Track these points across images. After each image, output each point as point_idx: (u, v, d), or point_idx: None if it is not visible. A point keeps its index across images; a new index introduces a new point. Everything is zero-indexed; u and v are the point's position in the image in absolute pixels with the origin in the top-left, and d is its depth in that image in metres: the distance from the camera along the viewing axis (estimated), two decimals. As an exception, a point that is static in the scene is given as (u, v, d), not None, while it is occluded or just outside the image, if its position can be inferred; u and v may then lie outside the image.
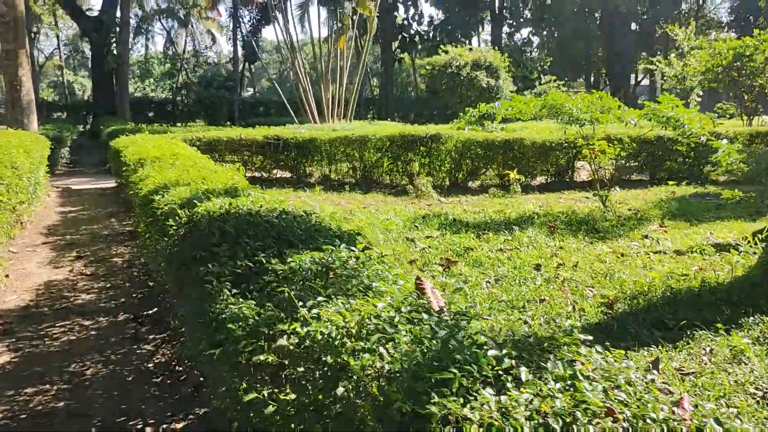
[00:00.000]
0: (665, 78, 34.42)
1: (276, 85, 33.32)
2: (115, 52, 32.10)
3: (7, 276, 7.14)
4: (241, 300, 2.75)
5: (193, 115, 36.88)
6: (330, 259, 3.15)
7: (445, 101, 32.65)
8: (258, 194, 5.34)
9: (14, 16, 15.89)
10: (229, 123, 36.79)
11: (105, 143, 19.12)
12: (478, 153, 14.01)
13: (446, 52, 25.54)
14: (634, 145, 13.20)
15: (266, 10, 36.47)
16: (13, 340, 5.25)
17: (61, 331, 5.47)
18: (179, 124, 36.21)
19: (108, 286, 6.84)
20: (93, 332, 5.44)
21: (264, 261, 3.11)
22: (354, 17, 23.90)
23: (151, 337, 5.29)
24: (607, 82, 47.10)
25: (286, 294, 2.65)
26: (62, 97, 51.83)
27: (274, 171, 16.26)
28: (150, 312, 5.84)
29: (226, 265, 3.12)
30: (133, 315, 5.79)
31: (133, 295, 6.48)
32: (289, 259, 3.11)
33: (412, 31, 41.36)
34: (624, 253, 7.72)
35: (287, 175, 16.32)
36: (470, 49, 25.71)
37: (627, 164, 14.42)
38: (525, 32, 46.97)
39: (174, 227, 4.27)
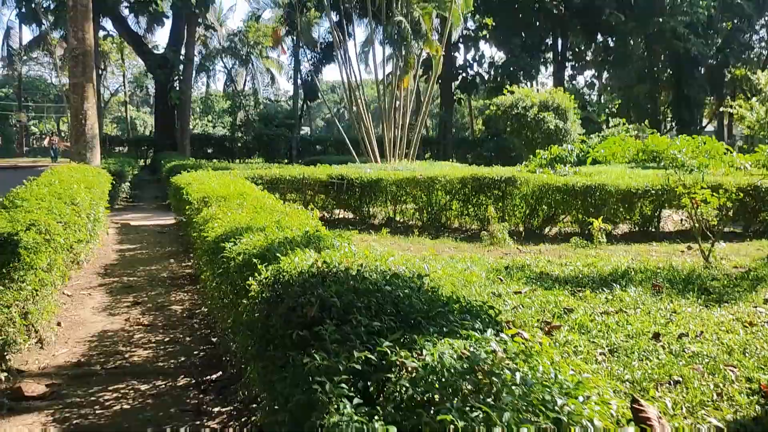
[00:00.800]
0: (740, 123, 32.93)
1: (338, 123, 33.18)
2: (177, 88, 32.43)
3: (59, 324, 6.52)
4: (368, 420, 1.93)
5: (250, 152, 36.95)
6: (475, 350, 2.32)
7: (509, 143, 31.84)
8: (346, 244, 4.59)
9: (83, 50, 15.84)
10: (286, 161, 36.79)
11: (165, 179, 18.88)
12: (556, 198, 13.06)
13: (512, 92, 24.78)
14: (741, 195, 12.04)
15: (329, 49, 36.59)
16: (61, 406, 4.54)
17: (114, 397, 4.74)
18: (237, 161, 36.30)
19: (167, 339, 6.13)
20: (149, 400, 4.69)
21: (389, 352, 2.29)
22: (419, 56, 23.46)
23: (216, 410, 4.50)
24: (673, 126, 45.55)
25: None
26: (124, 132, 53.07)
27: (336, 211, 15.63)
28: (214, 377, 5.07)
29: (338, 355, 2.31)
30: (195, 380, 5.04)
31: (195, 353, 5.75)
32: (424, 351, 2.28)
33: (472, 72, 40.90)
34: (752, 321, 6.64)
35: (350, 215, 15.66)
36: (537, 90, 24.88)
37: (724, 215, 13.22)
38: (587, 74, 46.00)
39: (256, 289, 3.51)
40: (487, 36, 39.95)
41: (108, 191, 13.16)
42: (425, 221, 14.40)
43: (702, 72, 43.66)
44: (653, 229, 13.47)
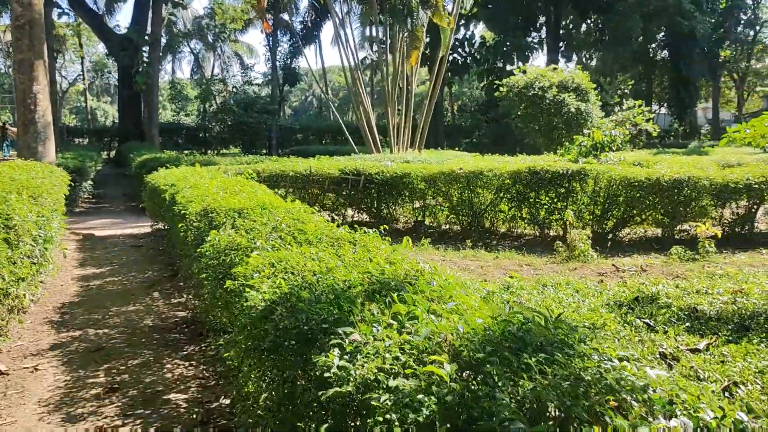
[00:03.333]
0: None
1: (333, 109, 30.03)
2: (143, 72, 29.12)
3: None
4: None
5: (226, 142, 33.71)
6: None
7: (510, 129, 29.30)
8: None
9: (30, 18, 12.72)
10: (265, 151, 33.62)
11: (136, 175, 15.87)
12: (634, 196, 10.46)
13: (524, 71, 22.12)
14: None
15: (309, 30, 33.44)
16: None
17: None
18: (211, 153, 33.09)
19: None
20: None
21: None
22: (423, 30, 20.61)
23: None
24: (670, 108, 43.63)
25: None
26: (84, 123, 49.10)
27: (348, 212, 12.91)
28: None
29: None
30: None
31: None
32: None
33: (464, 53, 38.11)
34: None
35: (364, 217, 12.93)
36: (554, 69, 22.27)
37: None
38: (581, 56, 43.60)
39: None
40: (478, 15, 37.27)
41: (65, 195, 10.19)
42: (464, 226, 11.72)
43: (700, 52, 41.64)
44: (744, 232, 10.96)
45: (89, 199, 18.17)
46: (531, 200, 10.95)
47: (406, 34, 20.31)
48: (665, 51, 42.63)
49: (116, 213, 15.78)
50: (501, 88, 22.58)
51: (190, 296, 7.13)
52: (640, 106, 25.52)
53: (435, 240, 11.10)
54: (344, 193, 12.63)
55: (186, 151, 31.63)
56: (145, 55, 29.71)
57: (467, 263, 9.09)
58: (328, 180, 12.43)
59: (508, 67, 38.61)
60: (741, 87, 57.72)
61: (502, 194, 11.20)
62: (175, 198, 7.49)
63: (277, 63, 35.58)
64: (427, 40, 27.67)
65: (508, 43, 37.18)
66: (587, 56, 44.00)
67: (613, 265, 8.62)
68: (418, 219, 12.32)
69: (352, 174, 12.37)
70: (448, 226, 12.04)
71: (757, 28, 49.83)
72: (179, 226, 6.31)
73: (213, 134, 33.23)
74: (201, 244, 5.41)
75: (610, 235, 10.69)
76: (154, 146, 26.14)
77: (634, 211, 10.72)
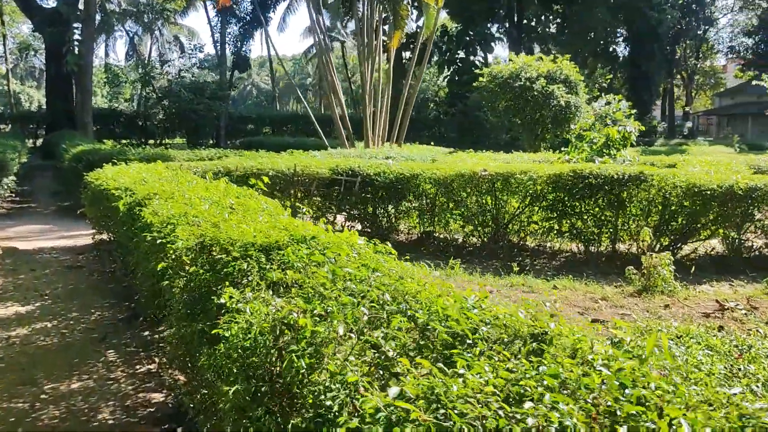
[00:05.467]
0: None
1: (302, 97, 27.31)
2: (76, 51, 25.90)
3: None
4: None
5: (168, 131, 30.60)
6: None
7: (479, 122, 27.60)
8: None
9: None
10: (212, 142, 30.75)
11: (71, 170, 13.21)
12: (700, 205, 8.63)
13: (505, 61, 20.25)
14: None
15: (263, 8, 30.65)
16: None
17: None
18: (153, 143, 30.01)
19: None
20: None
21: None
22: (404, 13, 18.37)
23: None
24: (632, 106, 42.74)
25: None
26: (7, 108, 44.69)
27: (338, 219, 10.72)
28: None
29: None
30: None
31: None
32: None
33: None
34: None
35: (356, 227, 10.70)
36: (540, 59, 20.44)
37: None
38: (537, 49, 42.31)
39: None
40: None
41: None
42: (484, 239, 9.66)
43: (659, 49, 40.95)
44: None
45: (11, 197, 15.27)
46: (575, 210, 8.97)
47: (385, 15, 18.14)
48: (626, 48, 41.85)
49: (46, 216, 13.07)
50: (481, 78, 20.63)
51: (166, 361, 4.83)
52: (619, 101, 24.05)
53: (448, 256, 9.01)
54: (335, 197, 10.40)
55: (124, 141, 28.52)
56: (77, 32, 26.46)
57: (519, 295, 7.04)
58: (316, 181, 10.17)
59: (471, 58, 36.89)
60: (690, 85, 58.02)
61: (535, 202, 9.19)
62: (140, 214, 5.15)
63: (227, 46, 32.69)
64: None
65: (471, 33, 35.37)
66: (547, 49, 42.76)
67: (716, 301, 6.72)
68: (426, 230, 10.20)
69: (346, 174, 10.16)
70: (462, 239, 9.95)
71: (706, 27, 49.82)
72: (156, 265, 4.00)
73: (155, 122, 30.09)
74: (206, 311, 3.25)
75: (671, 253, 8.82)
76: (88, 135, 23.07)
77: (697, 225, 8.89)
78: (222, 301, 2.87)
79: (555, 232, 9.26)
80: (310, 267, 3.11)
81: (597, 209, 8.94)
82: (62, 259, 8.87)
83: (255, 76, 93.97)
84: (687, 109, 55.38)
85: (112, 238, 8.39)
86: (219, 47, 32.35)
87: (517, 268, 7.73)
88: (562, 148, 15.57)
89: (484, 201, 9.51)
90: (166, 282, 3.80)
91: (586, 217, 8.98)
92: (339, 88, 20.29)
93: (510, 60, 20.41)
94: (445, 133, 31.38)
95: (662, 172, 8.87)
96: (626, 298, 6.94)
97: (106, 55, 57.10)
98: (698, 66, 55.09)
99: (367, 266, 3.14)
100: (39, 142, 31.63)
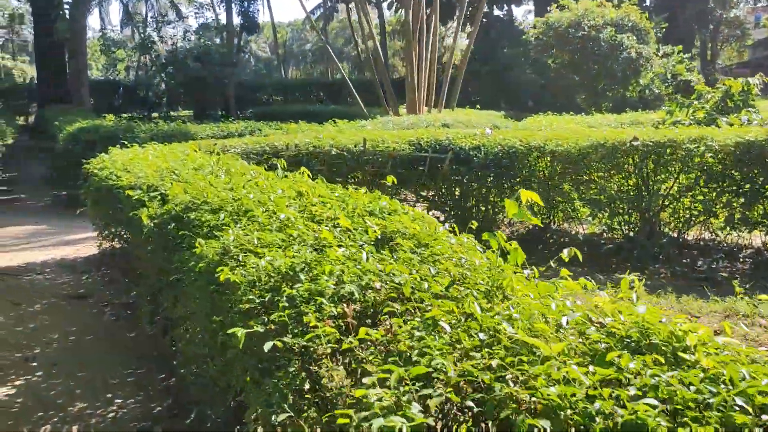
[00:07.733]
0: None
1: (334, 57, 24.19)
2: (67, 16, 23.10)
3: None
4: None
5: (173, 103, 27.82)
6: None
7: (512, 81, 24.83)
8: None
9: None
10: (222, 112, 27.89)
11: (67, 152, 10.64)
12: None
13: (562, 7, 17.40)
14: None
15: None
16: None
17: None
18: (154, 116, 27.16)
19: None
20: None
21: None
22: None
23: None
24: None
25: None
26: (-4, 85, 41.68)
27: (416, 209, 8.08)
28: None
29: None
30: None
31: None
32: None
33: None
34: None
35: (438, 215, 8.18)
36: (601, 4, 17.63)
37: None
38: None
39: None
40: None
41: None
42: (632, 233, 7.12)
43: None
44: None
45: (-3, 186, 12.71)
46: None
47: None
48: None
49: (36, 212, 10.53)
50: (531, 29, 17.85)
51: None
52: (679, 53, 21.35)
53: (583, 260, 6.49)
54: (415, 180, 7.86)
55: (124, 115, 25.72)
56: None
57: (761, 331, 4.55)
58: (391, 159, 7.61)
59: (495, 12, 33.89)
60: (716, 38, 54.78)
61: (718, 184, 6.61)
62: (191, 243, 2.62)
63: (233, 6, 29.64)
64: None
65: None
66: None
67: None
68: (544, 221, 7.65)
69: (432, 149, 7.59)
70: (600, 233, 7.41)
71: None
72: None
73: (159, 93, 27.29)
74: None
75: None
76: (85, 110, 20.39)
77: None
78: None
79: (738, 221, 6.69)
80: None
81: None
82: (59, 282, 6.34)
83: (252, 44, 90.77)
84: (719, 62, 52.30)
85: (126, 246, 5.91)
86: (225, 7, 29.39)
87: (739, 287, 5.15)
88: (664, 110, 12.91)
89: (631, 182, 6.94)
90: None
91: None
92: (380, 50, 17.44)
93: (561, 6, 17.53)
94: (472, 96, 28.53)
95: None
96: None
97: (102, 20, 54.17)
98: (723, 17, 51.85)
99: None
100: (32, 119, 28.85)
